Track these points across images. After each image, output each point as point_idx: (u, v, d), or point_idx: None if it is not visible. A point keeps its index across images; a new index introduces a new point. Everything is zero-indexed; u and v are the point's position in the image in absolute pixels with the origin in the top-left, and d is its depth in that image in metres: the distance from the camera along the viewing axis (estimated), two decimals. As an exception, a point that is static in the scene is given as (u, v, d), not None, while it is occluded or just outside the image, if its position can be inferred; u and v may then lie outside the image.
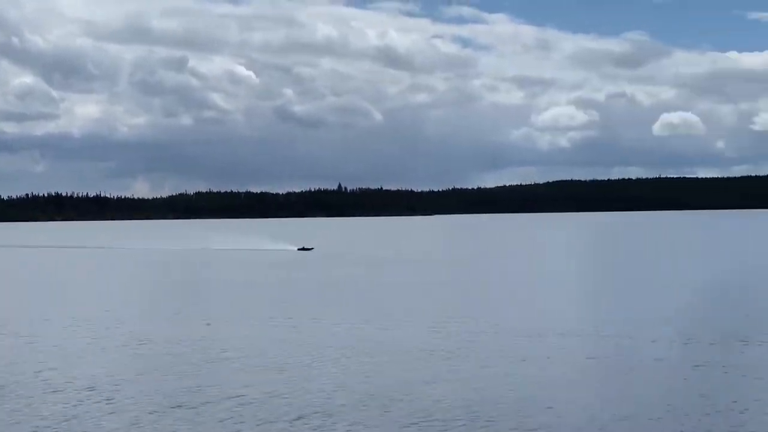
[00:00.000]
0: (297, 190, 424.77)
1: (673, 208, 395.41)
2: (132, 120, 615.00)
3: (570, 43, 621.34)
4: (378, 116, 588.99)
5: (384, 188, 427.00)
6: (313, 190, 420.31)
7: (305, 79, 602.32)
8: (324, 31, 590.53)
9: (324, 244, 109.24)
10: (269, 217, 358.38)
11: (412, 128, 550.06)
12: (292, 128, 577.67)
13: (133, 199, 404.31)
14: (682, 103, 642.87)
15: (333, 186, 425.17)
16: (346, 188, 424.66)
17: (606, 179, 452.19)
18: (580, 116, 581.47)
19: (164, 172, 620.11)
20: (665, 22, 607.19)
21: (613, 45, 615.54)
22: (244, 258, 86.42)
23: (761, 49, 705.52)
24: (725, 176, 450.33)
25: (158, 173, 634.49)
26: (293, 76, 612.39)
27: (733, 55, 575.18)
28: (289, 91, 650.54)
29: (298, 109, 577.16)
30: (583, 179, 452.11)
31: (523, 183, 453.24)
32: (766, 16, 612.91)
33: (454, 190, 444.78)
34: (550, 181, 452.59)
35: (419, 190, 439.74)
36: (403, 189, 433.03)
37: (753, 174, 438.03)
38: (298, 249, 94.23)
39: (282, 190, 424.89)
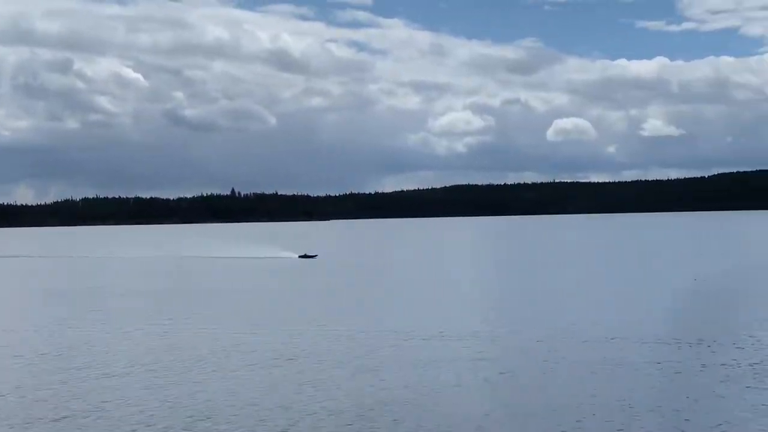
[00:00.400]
0: (188, 195, 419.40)
1: (567, 211, 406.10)
2: (14, 124, 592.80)
3: (465, 49, 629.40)
4: (272, 120, 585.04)
5: (279, 193, 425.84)
6: (205, 195, 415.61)
7: (196, 82, 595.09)
8: (215, 33, 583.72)
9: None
10: (159, 224, 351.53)
11: (308, 132, 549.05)
12: (182, 132, 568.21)
13: (16, 205, 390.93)
14: (574, 109, 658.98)
15: (226, 191, 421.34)
16: (239, 193, 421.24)
17: (502, 183, 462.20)
18: (477, 121, 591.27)
19: (49, 177, 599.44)
20: (557, 29, 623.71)
21: (508, 51, 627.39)
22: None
23: (649, 57, 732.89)
24: (616, 180, 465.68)
25: (42, 179, 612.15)
26: (183, 79, 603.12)
27: (622, 62, 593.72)
28: (179, 94, 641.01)
29: (188, 112, 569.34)
30: (480, 184, 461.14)
31: (421, 187, 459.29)
32: (653, 25, 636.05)
33: (351, 194, 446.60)
34: (448, 185, 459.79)
35: (315, 195, 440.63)
36: (299, 194, 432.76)
37: (642, 178, 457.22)
38: (300, 256, 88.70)
39: (173, 196, 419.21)
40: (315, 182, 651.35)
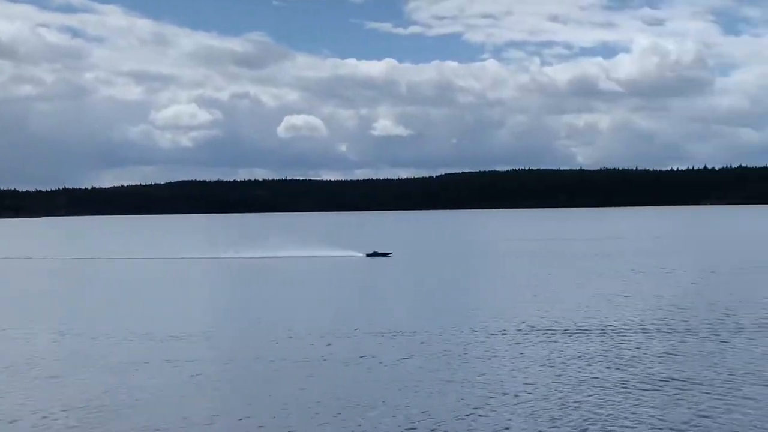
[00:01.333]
0: None
1: (299, 209, 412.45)
2: None
3: (189, 39, 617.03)
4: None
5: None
6: None
7: None
8: None
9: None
10: None
11: (16, 122, 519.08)
12: None
13: None
14: (305, 106, 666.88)
15: None
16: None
17: (232, 180, 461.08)
18: (203, 115, 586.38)
19: None
20: (286, 25, 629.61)
21: (235, 44, 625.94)
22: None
23: (378, 58, 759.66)
24: (348, 179, 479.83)
25: None
26: None
27: (352, 62, 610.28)
28: None
29: None
30: (207, 180, 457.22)
31: (143, 183, 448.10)
32: (382, 27, 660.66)
33: (65, 189, 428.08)
34: (172, 181, 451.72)
35: (24, 190, 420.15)
36: (5, 188, 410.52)
37: (373, 177, 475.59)
38: (367, 255, 79.93)
39: None
40: (24, 176, 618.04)
